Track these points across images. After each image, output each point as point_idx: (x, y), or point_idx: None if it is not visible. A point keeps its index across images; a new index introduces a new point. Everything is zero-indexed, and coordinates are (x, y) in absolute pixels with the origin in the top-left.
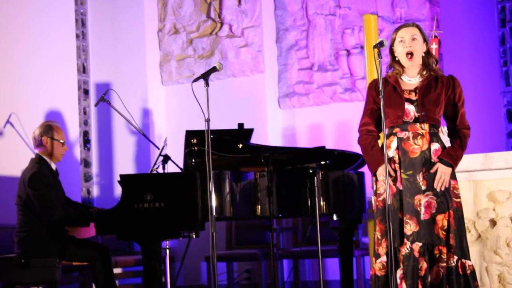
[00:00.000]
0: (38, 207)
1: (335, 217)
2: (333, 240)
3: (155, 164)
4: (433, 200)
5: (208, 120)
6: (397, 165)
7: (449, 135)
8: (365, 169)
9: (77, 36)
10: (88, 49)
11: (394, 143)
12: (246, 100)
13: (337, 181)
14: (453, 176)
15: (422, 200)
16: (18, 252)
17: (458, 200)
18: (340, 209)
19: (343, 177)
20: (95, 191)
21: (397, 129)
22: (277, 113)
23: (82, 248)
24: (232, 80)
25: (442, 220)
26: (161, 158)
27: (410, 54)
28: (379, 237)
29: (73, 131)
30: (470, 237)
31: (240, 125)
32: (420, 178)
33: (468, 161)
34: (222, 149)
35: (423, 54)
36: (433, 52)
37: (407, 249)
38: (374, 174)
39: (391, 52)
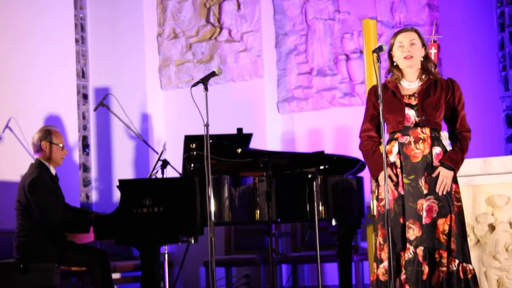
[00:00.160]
0: (37, 213)
1: (334, 222)
2: (332, 245)
3: (154, 169)
4: (434, 204)
5: (207, 125)
6: (398, 170)
7: (450, 138)
8: (364, 173)
9: (77, 40)
10: (88, 53)
11: (395, 148)
12: (245, 105)
13: (336, 186)
14: (454, 180)
15: (424, 204)
16: (17, 257)
17: (459, 204)
18: (339, 214)
19: (342, 182)
20: (94, 196)
21: (398, 134)
22: (276, 118)
23: (81, 253)
24: (231, 84)
25: (443, 224)
26: (160, 163)
27: (409, 57)
28: (382, 242)
29: (72, 136)
30: (469, 241)
31: (239, 129)
32: (422, 182)
33: (467, 165)
34: (221, 154)
35: (422, 59)
36: (432, 56)
37: (411, 254)
38: (376, 180)
39: (390, 57)
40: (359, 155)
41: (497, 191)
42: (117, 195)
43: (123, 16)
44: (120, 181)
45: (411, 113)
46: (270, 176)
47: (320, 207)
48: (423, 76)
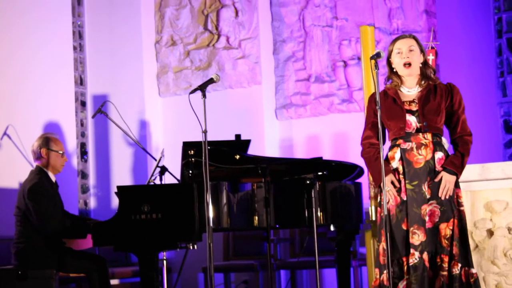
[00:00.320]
0: (36, 219)
1: (332, 228)
2: (331, 251)
3: (152, 175)
4: (436, 209)
5: (205, 132)
6: (401, 176)
7: (451, 143)
8: (362, 179)
9: (75, 48)
10: (86, 61)
11: (397, 154)
12: (243, 112)
13: (335, 192)
14: (456, 185)
15: (426, 209)
16: (16, 263)
17: (461, 208)
18: (338, 220)
19: (341, 188)
20: (92, 203)
21: (400, 141)
22: (274, 124)
23: (79, 259)
24: (229, 91)
25: (445, 229)
26: (158, 169)
27: (408, 64)
28: (385, 247)
29: (70, 143)
30: None
31: (237, 136)
32: (425, 187)
33: (465, 171)
34: (219, 160)
35: (421, 65)
36: (430, 63)
37: (416, 259)
38: (378, 186)
39: (389, 64)
40: (357, 161)
41: (495, 197)
42: (115, 201)
43: (121, 23)
44: (118, 187)
45: (412, 119)
46: (268, 182)
47: (319, 213)
48: (423, 82)
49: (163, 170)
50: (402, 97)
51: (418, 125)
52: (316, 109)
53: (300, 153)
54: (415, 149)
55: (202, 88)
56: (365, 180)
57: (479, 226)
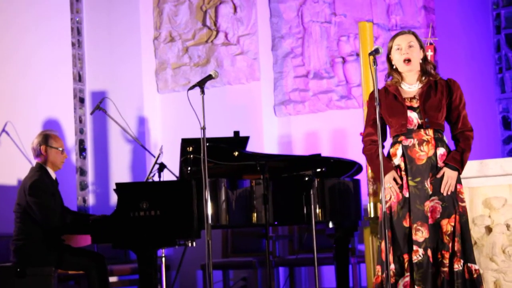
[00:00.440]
0: (39, 214)
1: (331, 225)
2: (329, 248)
3: (151, 172)
4: (438, 205)
5: (203, 128)
6: (403, 173)
7: (452, 138)
8: (361, 176)
9: (73, 44)
10: (84, 57)
11: (399, 150)
12: (242, 108)
13: (333, 188)
14: (458, 181)
15: (429, 205)
16: (14, 260)
17: (463, 204)
18: (336, 217)
19: (339, 184)
20: (91, 200)
21: (402, 137)
22: (272, 121)
23: (78, 257)
24: (227, 88)
25: (446, 225)
26: (157, 166)
27: (407, 60)
28: (388, 244)
29: (69, 140)
30: None
31: (236, 133)
32: (428, 184)
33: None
34: (218, 157)
35: (421, 61)
36: (429, 59)
37: (420, 255)
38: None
39: (389, 60)
40: (356, 157)
41: (494, 193)
42: (114, 198)
43: (119, 20)
44: (117, 184)
45: (413, 116)
46: (267, 179)
47: (317, 210)
48: (423, 78)
49: (162, 167)
50: (403, 93)
51: (420, 121)
52: (314, 106)
53: (299, 150)
54: (417, 146)
55: (201, 84)
56: (363, 177)
57: (477, 222)
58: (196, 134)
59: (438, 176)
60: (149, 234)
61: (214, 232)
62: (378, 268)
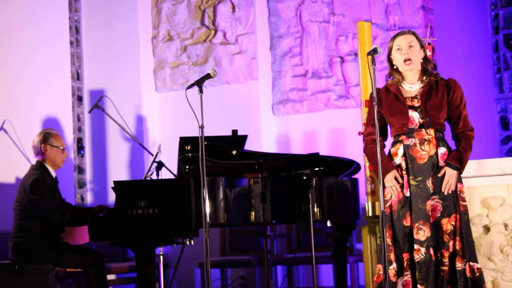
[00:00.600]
0: (40, 212)
1: (329, 224)
2: (327, 247)
3: (149, 170)
4: (438, 204)
5: (202, 127)
6: (404, 172)
7: (453, 138)
8: (359, 175)
9: (71, 43)
10: (82, 56)
11: (400, 150)
12: (240, 107)
13: (331, 187)
14: (459, 180)
15: (430, 204)
16: (12, 258)
17: (464, 203)
18: (334, 216)
19: (337, 183)
20: (89, 198)
21: (403, 137)
22: (271, 120)
23: (76, 254)
24: (226, 87)
25: (446, 224)
26: (155, 164)
27: (408, 60)
28: (390, 243)
29: (67, 138)
30: None
31: (234, 131)
32: (429, 183)
33: None
34: (216, 156)
35: (422, 60)
36: None
37: (423, 254)
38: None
39: (389, 60)
40: (354, 157)
41: (492, 193)
42: (112, 196)
43: (117, 19)
44: (115, 182)
45: (414, 115)
46: (265, 178)
47: (315, 209)
48: (424, 78)
49: (160, 165)
50: (404, 93)
51: (421, 121)
52: (313, 105)
53: (297, 149)
54: (418, 145)
55: (199, 83)
56: (362, 176)
57: (475, 222)
58: (194, 132)
59: (439, 175)
60: (147, 232)
61: (212, 230)
62: (379, 266)
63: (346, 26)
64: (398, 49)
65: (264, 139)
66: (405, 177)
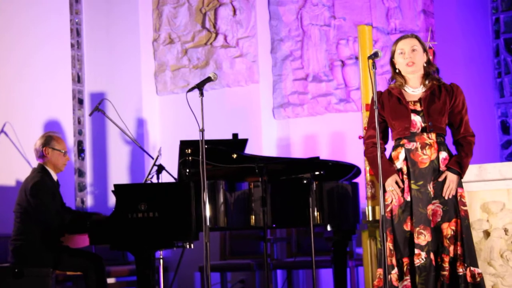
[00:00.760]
0: (39, 216)
1: (329, 228)
2: (327, 251)
3: (149, 174)
4: (439, 209)
5: (202, 130)
6: (405, 176)
7: (454, 143)
8: (359, 179)
9: (72, 45)
10: (83, 58)
11: (402, 154)
12: (241, 110)
13: (331, 191)
14: (459, 184)
15: (431, 209)
16: (12, 261)
17: (465, 208)
18: (334, 220)
19: (338, 187)
20: (89, 201)
21: (404, 141)
22: (271, 124)
23: (76, 257)
24: (226, 90)
25: (447, 228)
26: (155, 168)
27: (411, 64)
28: (391, 248)
29: (68, 141)
30: None
31: (235, 135)
32: (430, 187)
33: None
34: (217, 159)
35: (425, 64)
36: None
37: (423, 259)
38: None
39: (392, 64)
40: (354, 161)
41: (492, 198)
42: (112, 200)
43: (118, 21)
44: (115, 186)
45: (417, 119)
46: (265, 182)
47: (316, 213)
48: (427, 82)
49: (160, 168)
50: (406, 96)
51: (423, 125)
52: (313, 109)
53: (297, 153)
54: (419, 149)
55: (200, 86)
56: (362, 180)
57: (475, 227)
58: (195, 136)
59: (440, 179)
60: (147, 236)
61: (212, 234)
62: (380, 271)
63: (347, 30)
64: (401, 52)
65: (264, 143)
66: (406, 181)
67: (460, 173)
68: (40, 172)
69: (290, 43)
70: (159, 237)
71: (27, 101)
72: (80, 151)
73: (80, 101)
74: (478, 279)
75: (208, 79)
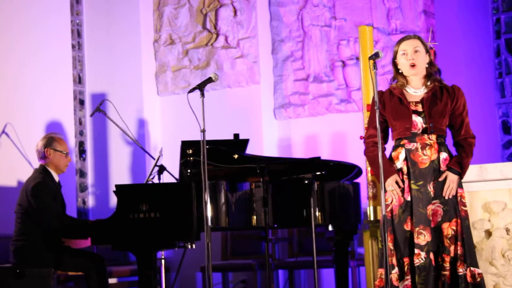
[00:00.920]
0: (39, 216)
1: (330, 228)
2: (329, 251)
3: (150, 174)
4: (439, 208)
5: (203, 131)
6: (405, 176)
7: (454, 145)
8: (360, 179)
9: (73, 46)
10: (84, 59)
11: (402, 154)
12: (242, 111)
13: (333, 191)
14: (459, 185)
15: (431, 209)
16: (13, 261)
17: (465, 208)
18: (336, 220)
19: (339, 188)
20: (90, 201)
21: (405, 141)
22: (272, 124)
23: (78, 258)
24: (227, 90)
25: (447, 228)
26: (156, 168)
27: (413, 65)
28: (392, 247)
29: (69, 142)
30: None
31: (236, 135)
32: (430, 187)
33: None
34: (218, 160)
35: (427, 65)
36: None
37: (423, 259)
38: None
39: (394, 64)
40: (356, 161)
41: (494, 198)
42: (113, 200)
43: (119, 22)
44: (116, 186)
45: (418, 120)
46: (266, 182)
47: (317, 213)
48: (429, 83)
49: (162, 169)
50: (408, 97)
51: (424, 126)
52: (314, 109)
53: (299, 153)
54: (420, 150)
55: (201, 87)
56: (363, 180)
57: (477, 227)
58: (196, 136)
59: (440, 179)
60: (149, 236)
61: (213, 234)
62: (381, 271)
63: (348, 30)
64: (404, 53)
65: (265, 143)
66: (406, 181)
67: (461, 173)
68: (42, 173)
69: (291, 43)
70: (160, 237)
71: (28, 102)
72: (81, 151)
73: (81, 102)
74: (478, 279)
75: (209, 80)
